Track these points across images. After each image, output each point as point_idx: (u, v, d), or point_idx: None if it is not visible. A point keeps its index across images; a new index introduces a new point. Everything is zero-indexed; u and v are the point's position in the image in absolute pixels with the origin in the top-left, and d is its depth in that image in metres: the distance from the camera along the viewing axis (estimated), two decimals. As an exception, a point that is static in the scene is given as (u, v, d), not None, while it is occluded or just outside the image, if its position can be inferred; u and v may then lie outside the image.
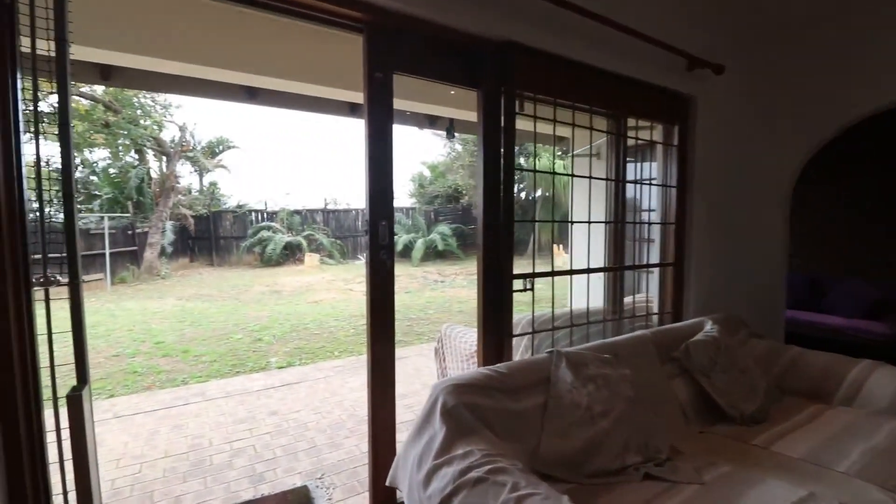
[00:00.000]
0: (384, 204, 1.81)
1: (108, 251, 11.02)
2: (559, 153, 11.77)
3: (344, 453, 2.78)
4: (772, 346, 2.68)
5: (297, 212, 16.73)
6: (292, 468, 2.62)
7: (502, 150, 2.00)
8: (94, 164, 14.85)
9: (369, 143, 1.76)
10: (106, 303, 8.48)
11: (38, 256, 1.39)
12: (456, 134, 4.79)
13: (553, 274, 2.26)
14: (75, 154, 13.31)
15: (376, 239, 1.79)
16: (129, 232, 13.67)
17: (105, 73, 3.28)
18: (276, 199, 17.39)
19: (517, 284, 2.09)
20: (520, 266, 2.15)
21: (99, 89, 11.02)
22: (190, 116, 18.89)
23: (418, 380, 4.12)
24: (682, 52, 2.50)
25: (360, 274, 12.74)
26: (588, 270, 2.34)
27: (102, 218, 11.85)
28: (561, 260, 9.73)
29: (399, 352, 5.40)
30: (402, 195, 22.19)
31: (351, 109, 4.05)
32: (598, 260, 2.66)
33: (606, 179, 2.73)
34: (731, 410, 2.13)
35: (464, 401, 1.53)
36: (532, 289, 2.12)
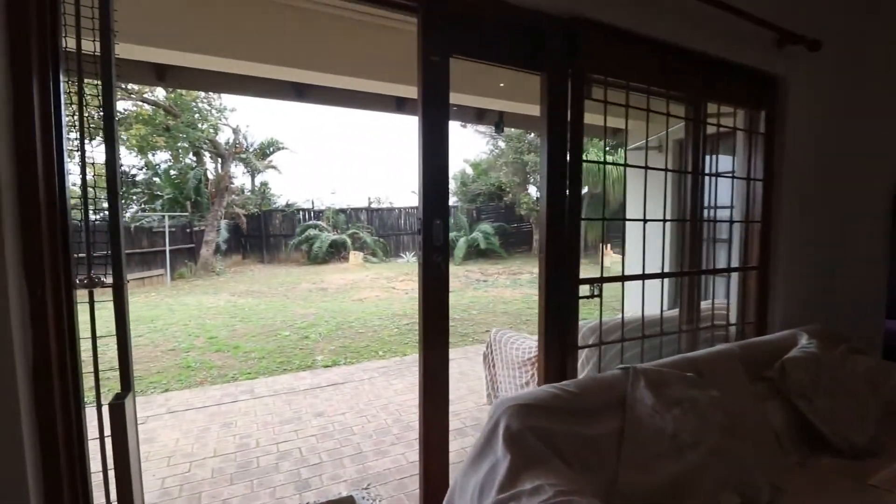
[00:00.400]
0: (439, 201, 1.64)
1: (168, 248, 11.59)
2: (608, 147, 11.24)
3: (390, 462, 2.64)
4: (877, 364, 2.29)
5: (343, 210, 17.01)
6: (338, 475, 2.51)
7: (569, 138, 1.78)
8: (157, 166, 15.69)
9: (424, 134, 1.59)
10: (165, 297, 8.88)
11: (83, 255, 1.33)
12: (505, 129, 4.56)
13: (624, 279, 2.01)
14: (140, 157, 14.06)
15: (430, 240, 1.62)
16: (188, 230, 14.36)
17: (160, 74, 3.31)
18: (322, 197, 17.76)
19: (583, 290, 1.87)
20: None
21: (160, 94, 11.58)
22: (243, 119, 19.71)
23: (464, 384, 3.95)
24: (772, 24, 2.17)
25: (402, 272, 12.75)
26: (662, 275, 2.07)
27: (163, 217, 12.47)
28: (609, 260, 9.27)
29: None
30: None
31: (397, 105, 3.92)
32: (661, 262, 2.37)
33: (682, 172, 2.43)
34: (837, 440, 1.81)
35: (530, 424, 1.33)
36: (601, 295, 1.88)
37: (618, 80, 1.90)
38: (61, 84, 1.28)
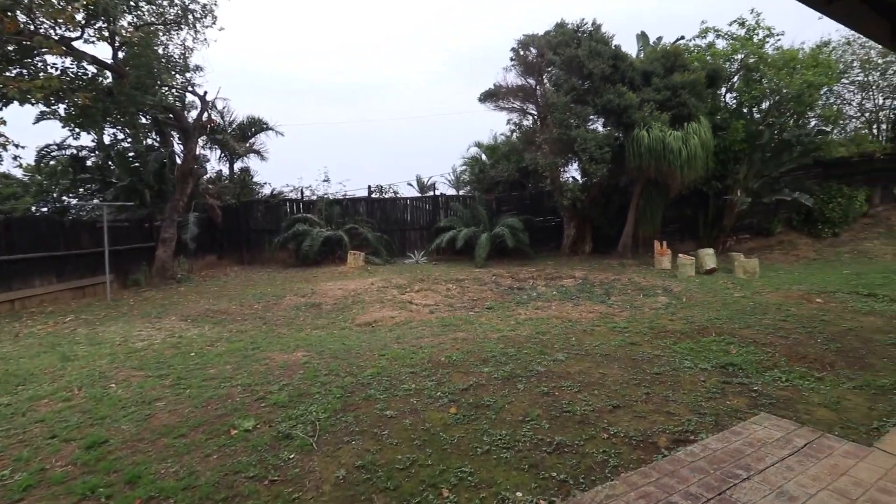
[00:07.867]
0: None
1: (107, 249, 8.47)
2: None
3: None
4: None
5: (338, 201, 14.02)
6: None
7: None
8: (111, 147, 12.58)
9: None
10: (81, 325, 5.87)
11: None
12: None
13: None
14: (87, 133, 10.80)
15: None
16: (146, 225, 11.27)
17: None
18: (312, 185, 14.74)
19: None
20: None
21: (103, 48, 8.25)
22: (213, 85, 16.36)
23: None
24: None
25: (415, 278, 9.89)
26: None
27: (106, 208, 9.34)
28: None
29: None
30: (441, 184, 19.28)
31: None
32: None
33: None
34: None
35: None
36: None
37: None
38: None
